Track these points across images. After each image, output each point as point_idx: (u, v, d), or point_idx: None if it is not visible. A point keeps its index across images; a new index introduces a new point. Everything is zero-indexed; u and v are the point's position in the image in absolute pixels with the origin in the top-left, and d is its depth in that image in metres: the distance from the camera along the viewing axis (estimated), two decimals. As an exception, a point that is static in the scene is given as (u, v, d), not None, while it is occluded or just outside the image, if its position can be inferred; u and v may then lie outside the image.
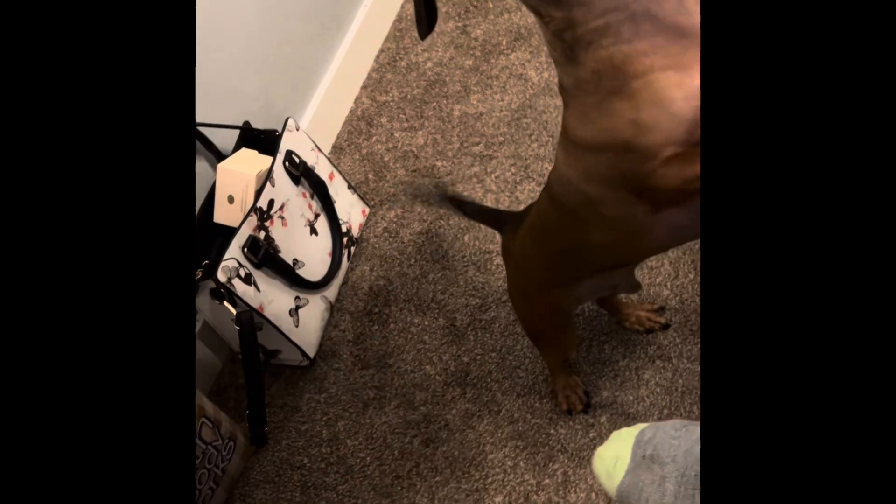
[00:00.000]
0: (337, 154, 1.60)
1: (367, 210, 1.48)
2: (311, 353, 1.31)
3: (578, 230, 0.83)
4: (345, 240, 1.40)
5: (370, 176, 1.55)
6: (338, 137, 1.63)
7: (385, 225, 1.48)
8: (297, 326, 1.28)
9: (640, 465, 0.59)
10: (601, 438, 1.14)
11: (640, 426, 0.69)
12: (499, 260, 1.37)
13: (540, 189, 1.44)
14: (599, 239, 0.81)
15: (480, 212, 1.15)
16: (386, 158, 1.57)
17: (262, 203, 1.23)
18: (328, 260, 1.38)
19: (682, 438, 0.65)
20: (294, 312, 1.28)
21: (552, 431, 1.17)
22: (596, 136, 0.70)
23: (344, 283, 1.42)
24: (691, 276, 1.26)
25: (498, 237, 1.40)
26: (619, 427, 1.15)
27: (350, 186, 1.44)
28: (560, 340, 1.08)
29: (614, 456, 0.62)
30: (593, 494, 1.10)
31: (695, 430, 0.67)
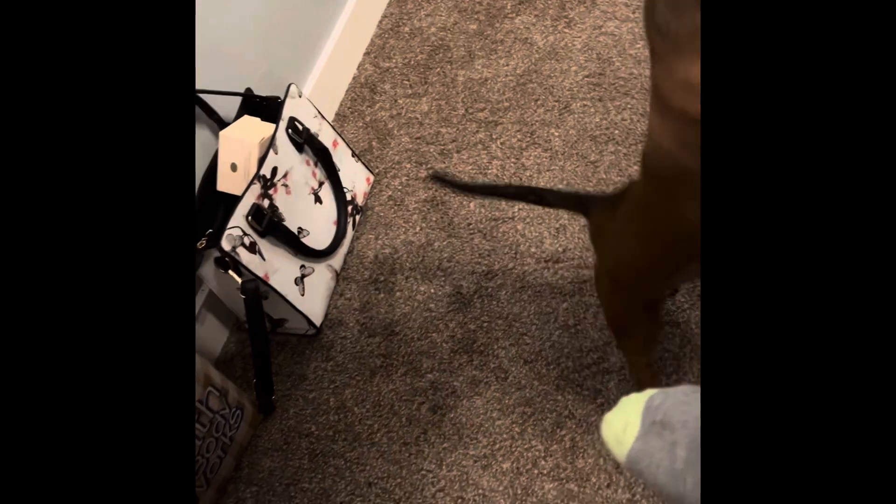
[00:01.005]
0: (340, 121, 1.58)
1: (372, 178, 1.47)
2: (318, 321, 1.31)
3: (675, 207, 0.73)
4: (349, 208, 1.39)
5: (374, 143, 1.54)
6: (341, 105, 1.61)
7: (390, 193, 1.47)
8: (302, 295, 1.28)
9: (650, 431, 0.58)
10: (609, 404, 1.14)
11: (650, 392, 0.68)
12: (504, 227, 1.36)
13: (546, 155, 1.42)
14: (698, 217, 0.69)
15: (563, 198, 1.02)
16: (390, 125, 1.55)
17: (266, 171, 1.22)
18: (333, 228, 1.37)
19: (693, 403, 0.64)
20: (300, 281, 1.28)
21: (560, 398, 1.17)
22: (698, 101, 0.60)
23: (349, 251, 1.41)
24: (700, 241, 1.25)
25: (504, 203, 1.39)
26: (627, 393, 1.15)
27: (354, 154, 1.43)
28: (647, 336, 0.99)
29: (623, 422, 0.61)
30: (601, 460, 1.10)
31: None
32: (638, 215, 0.82)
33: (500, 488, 1.11)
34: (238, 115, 1.29)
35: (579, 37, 1.54)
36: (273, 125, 1.24)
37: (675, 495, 0.56)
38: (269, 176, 1.23)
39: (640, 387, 1.09)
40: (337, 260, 1.37)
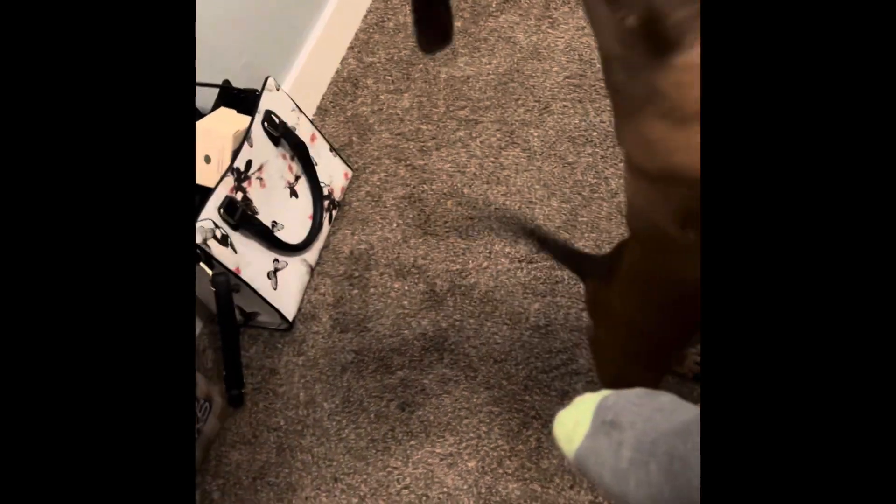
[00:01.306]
0: (321, 115, 1.58)
1: (350, 173, 1.47)
2: (290, 315, 1.31)
3: (669, 268, 0.68)
4: (326, 203, 1.39)
5: (354, 138, 1.53)
6: (322, 98, 1.60)
7: (368, 189, 1.47)
8: (275, 289, 1.28)
9: (599, 430, 0.59)
10: (576, 406, 1.14)
11: (604, 392, 0.68)
12: (480, 226, 1.36)
13: (524, 155, 1.42)
14: (696, 274, 0.63)
15: (564, 253, 0.98)
16: (371, 121, 1.55)
17: (240, 164, 1.22)
18: (308, 223, 1.36)
19: (644, 406, 0.64)
20: (272, 275, 1.28)
21: (527, 398, 1.17)
22: (665, 167, 0.58)
23: (325, 246, 1.41)
24: (672, 246, 1.25)
25: (481, 202, 1.39)
26: (594, 395, 1.15)
27: (332, 149, 1.42)
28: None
29: (574, 420, 0.61)
30: (566, 461, 1.10)
31: (657, 398, 0.66)
32: (636, 281, 0.75)
33: (465, 487, 1.12)
34: (215, 107, 1.29)
35: (562, 37, 1.54)
36: (249, 118, 1.24)
37: (620, 495, 0.57)
38: (242, 169, 1.22)
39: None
40: (312, 254, 1.37)
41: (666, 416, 0.60)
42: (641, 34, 0.57)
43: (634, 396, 0.66)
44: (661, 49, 0.57)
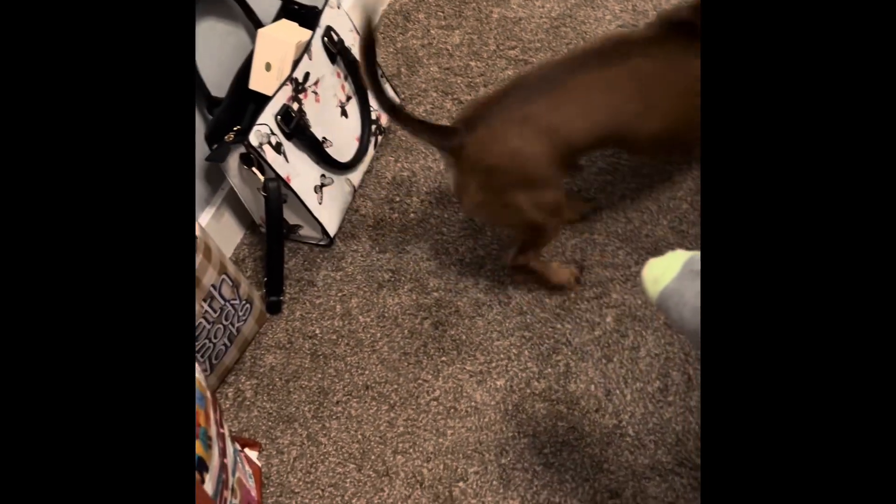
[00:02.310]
0: (372, 45, 1.59)
1: (398, 102, 1.49)
2: (332, 231, 1.34)
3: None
4: (373, 127, 1.42)
5: (402, 70, 1.55)
6: (374, 29, 1.62)
7: (413, 119, 1.49)
8: (320, 203, 1.31)
9: (686, 276, 0.64)
10: (605, 336, 1.18)
11: (696, 252, 0.74)
12: (523, 162, 1.39)
13: (571, 97, 1.44)
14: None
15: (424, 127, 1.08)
16: (420, 54, 1.57)
17: (299, 74, 1.24)
18: (355, 144, 1.39)
19: None
20: (319, 189, 1.31)
21: (559, 326, 1.21)
22: None
23: (368, 170, 1.44)
24: (712, 193, 1.28)
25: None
26: (626, 327, 1.19)
27: (383, 75, 1.45)
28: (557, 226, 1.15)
29: (664, 266, 0.67)
30: (592, 386, 1.14)
31: None
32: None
33: (493, 403, 1.16)
34: (276, 20, 1.31)
35: (617, -13, 1.55)
36: (310, 31, 1.26)
37: (694, 329, 0.62)
38: (301, 80, 1.25)
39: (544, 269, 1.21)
40: (356, 176, 1.39)
41: None
42: None
43: None
44: None
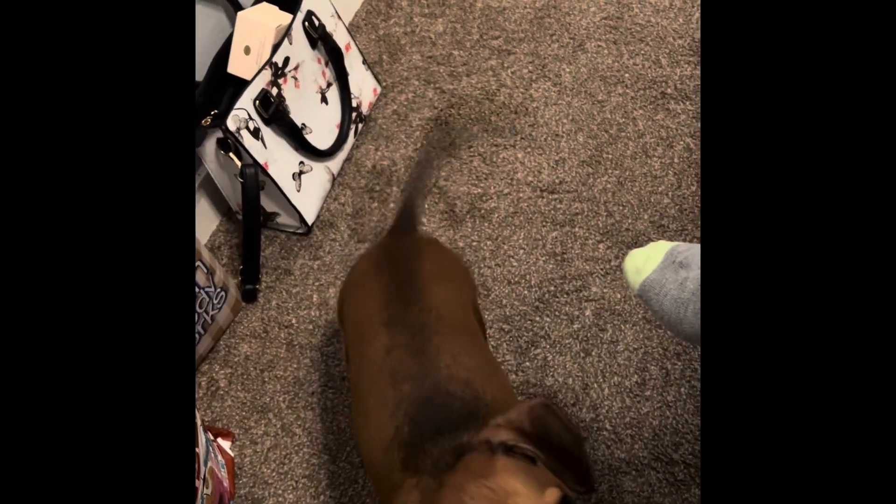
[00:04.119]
0: (353, 32, 1.57)
1: (379, 89, 1.47)
2: (310, 219, 1.32)
3: None
4: (353, 115, 1.40)
5: (385, 57, 1.53)
6: (356, 15, 1.60)
7: (395, 107, 1.47)
8: (298, 191, 1.29)
9: (668, 267, 0.64)
10: (584, 330, 1.17)
11: (677, 242, 0.73)
12: (505, 153, 1.38)
13: (555, 89, 1.43)
14: None
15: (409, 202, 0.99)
16: (402, 42, 1.55)
17: (278, 59, 1.22)
18: (335, 131, 1.37)
19: None
20: (297, 177, 1.29)
21: (537, 319, 1.20)
22: None
23: (348, 159, 1.42)
24: (693, 188, 1.28)
25: (508, 131, 1.40)
26: (604, 321, 1.18)
27: (365, 62, 1.43)
28: None
29: (646, 256, 0.66)
30: (570, 380, 1.14)
31: None
32: None
33: (470, 395, 1.15)
34: (256, 3, 1.28)
35: (602, -21, 1.54)
36: (291, 15, 1.24)
37: (675, 320, 0.61)
38: (280, 64, 1.22)
39: None
40: (335, 164, 1.37)
41: None
42: None
43: None
44: None
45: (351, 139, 1.40)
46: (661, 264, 0.64)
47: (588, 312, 1.19)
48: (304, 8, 1.26)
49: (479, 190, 1.35)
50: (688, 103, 1.37)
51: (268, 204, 1.30)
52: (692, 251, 0.64)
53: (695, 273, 0.61)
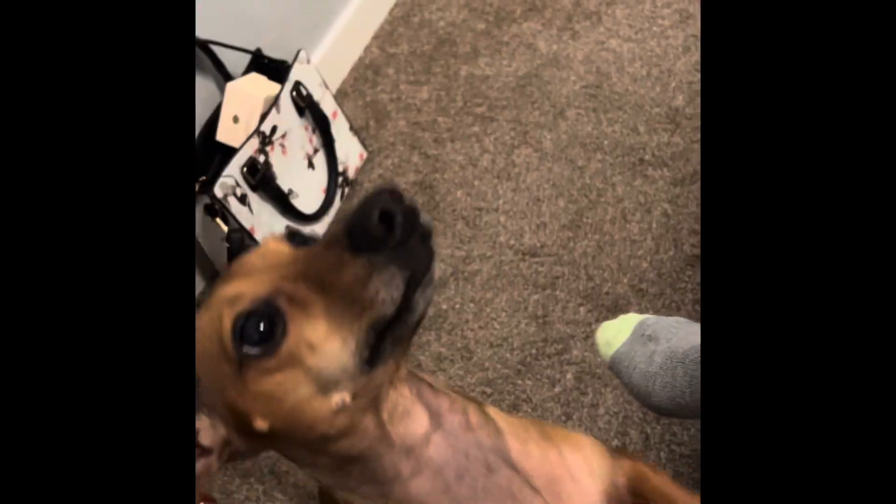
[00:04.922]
0: (341, 98, 1.62)
1: (365, 154, 1.51)
2: (295, 282, 1.34)
3: None
4: (340, 179, 1.43)
5: (371, 123, 1.58)
6: (343, 82, 1.65)
7: (381, 171, 1.51)
8: (284, 254, 1.31)
9: (637, 341, 0.66)
10: (565, 393, 1.18)
11: (647, 315, 0.75)
12: (488, 217, 1.41)
13: (536, 155, 1.47)
14: None
15: None
16: (389, 108, 1.59)
17: (266, 128, 1.25)
18: (322, 196, 1.40)
19: (681, 329, 0.71)
20: (283, 240, 1.31)
21: (519, 382, 1.21)
22: None
23: (335, 221, 1.44)
24: (671, 253, 1.31)
25: (490, 195, 1.43)
26: (585, 385, 1.20)
27: (351, 128, 1.47)
28: None
29: (616, 329, 0.68)
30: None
31: (694, 325, 0.72)
32: None
33: (452, 460, 1.15)
34: (245, 73, 1.32)
35: (581, 49, 1.60)
36: (279, 85, 1.28)
37: (644, 394, 0.63)
38: (268, 133, 1.26)
39: None
40: (321, 227, 1.40)
41: (699, 335, 0.65)
42: None
43: (673, 321, 0.74)
44: None
45: (337, 203, 1.43)
46: (631, 337, 0.66)
47: (569, 376, 1.21)
48: (292, 78, 1.30)
49: (463, 252, 1.37)
50: (665, 170, 1.41)
51: (254, 267, 1.31)
52: (660, 324, 0.66)
53: (662, 346, 0.64)
